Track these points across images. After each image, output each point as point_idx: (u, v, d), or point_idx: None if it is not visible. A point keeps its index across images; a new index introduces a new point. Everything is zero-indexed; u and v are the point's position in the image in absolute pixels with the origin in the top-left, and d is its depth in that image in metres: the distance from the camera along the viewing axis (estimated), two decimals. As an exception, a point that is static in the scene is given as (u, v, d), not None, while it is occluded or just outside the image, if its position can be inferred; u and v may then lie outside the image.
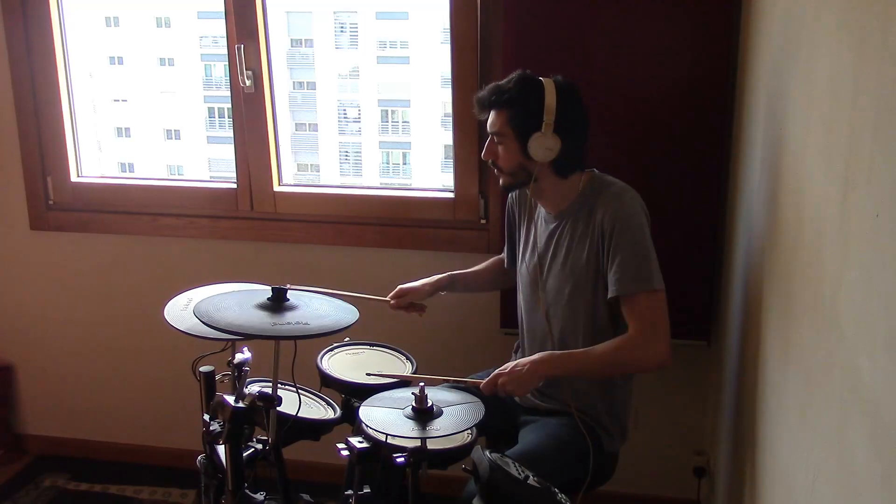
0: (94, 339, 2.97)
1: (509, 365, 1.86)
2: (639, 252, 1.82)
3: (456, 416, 1.66)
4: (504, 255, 2.24)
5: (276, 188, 2.74)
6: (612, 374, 1.93)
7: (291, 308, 1.75)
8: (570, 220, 1.93)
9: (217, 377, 1.84)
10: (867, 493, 0.91)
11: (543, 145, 1.84)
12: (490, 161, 1.95)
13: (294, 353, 1.75)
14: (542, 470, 1.68)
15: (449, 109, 2.56)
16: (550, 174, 1.90)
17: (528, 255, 2.03)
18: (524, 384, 1.82)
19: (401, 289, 2.16)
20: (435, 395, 1.71)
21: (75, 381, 3.03)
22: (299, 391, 1.90)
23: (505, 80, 1.90)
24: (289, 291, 1.78)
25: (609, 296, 1.85)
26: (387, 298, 2.16)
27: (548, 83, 1.85)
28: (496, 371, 1.86)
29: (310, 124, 7.80)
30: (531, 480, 1.59)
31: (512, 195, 2.11)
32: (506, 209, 2.16)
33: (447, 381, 1.99)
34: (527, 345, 2.07)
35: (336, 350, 2.15)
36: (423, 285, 2.16)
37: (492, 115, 1.90)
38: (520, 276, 2.09)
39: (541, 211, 2.01)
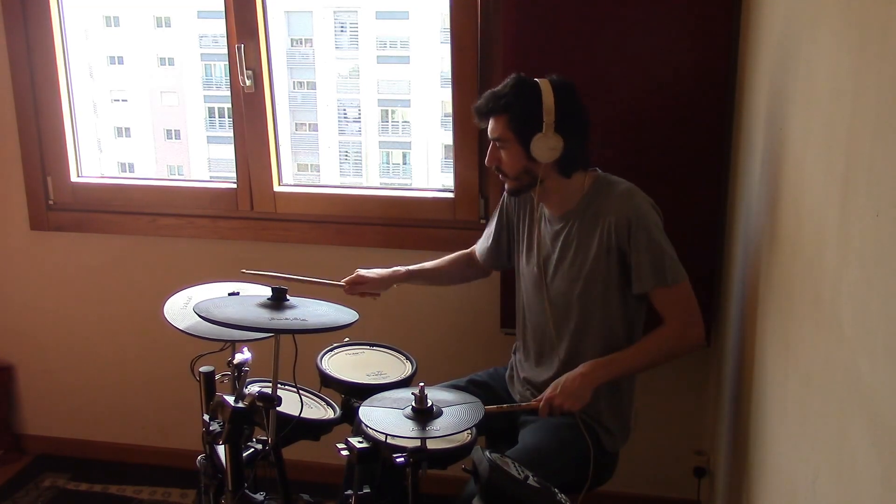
0: (94, 339, 2.97)
1: (558, 383, 1.88)
2: (659, 248, 1.85)
3: (456, 416, 1.66)
4: (476, 247, 2.24)
5: (276, 188, 2.74)
6: (656, 366, 1.96)
7: (291, 307, 1.76)
8: (577, 220, 1.93)
9: (217, 377, 1.84)
10: (867, 493, 0.91)
11: (546, 145, 1.84)
12: (494, 167, 1.95)
13: (295, 353, 1.75)
14: (543, 470, 1.68)
15: (449, 109, 2.56)
16: (555, 174, 1.90)
17: (531, 256, 2.03)
18: (580, 398, 1.85)
19: (359, 275, 2.17)
20: (435, 395, 1.71)
21: (75, 381, 3.03)
22: (300, 391, 1.90)
23: (500, 85, 1.90)
24: (288, 292, 1.79)
25: (635, 292, 1.88)
26: (340, 283, 2.16)
27: (543, 83, 1.85)
28: (546, 395, 1.88)
29: (310, 124, 7.80)
30: (531, 481, 1.59)
31: (512, 197, 2.11)
32: (500, 206, 2.15)
33: (501, 407, 1.95)
34: (533, 345, 2.06)
35: (336, 350, 2.15)
36: (381, 277, 2.18)
37: (491, 122, 1.90)
38: (522, 276, 2.08)
39: (544, 212, 2.01)
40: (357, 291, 2.17)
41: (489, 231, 2.19)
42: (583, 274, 1.91)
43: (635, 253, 1.85)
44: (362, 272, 2.18)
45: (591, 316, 1.93)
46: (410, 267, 2.22)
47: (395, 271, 2.19)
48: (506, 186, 1.97)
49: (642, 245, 1.84)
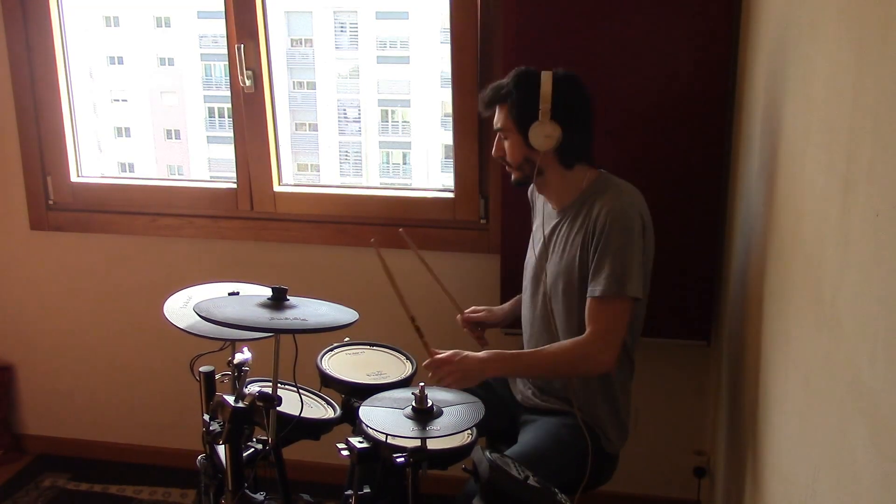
0: (94, 339, 2.97)
1: (460, 353, 1.86)
2: (619, 255, 1.80)
3: (456, 416, 1.66)
4: None
5: (276, 188, 2.74)
6: (557, 377, 1.95)
7: (291, 307, 1.75)
8: (571, 215, 1.93)
9: (217, 377, 1.84)
10: (867, 493, 0.91)
11: (542, 133, 1.84)
12: (500, 158, 1.97)
13: (295, 353, 1.75)
14: (543, 470, 1.68)
15: (449, 109, 2.56)
16: (555, 165, 1.90)
17: (530, 249, 2.05)
18: (467, 380, 1.83)
19: (473, 308, 2.20)
20: (435, 395, 1.71)
21: (75, 381, 3.03)
22: (300, 391, 1.90)
23: (505, 77, 1.92)
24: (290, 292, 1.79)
25: (588, 295, 1.84)
26: (461, 311, 2.17)
27: (545, 74, 1.86)
28: (446, 355, 1.85)
29: (310, 124, 7.81)
30: (531, 480, 1.59)
31: (531, 192, 2.13)
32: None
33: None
34: (525, 337, 2.08)
35: (336, 350, 2.15)
36: (498, 311, 2.21)
37: (496, 113, 1.93)
38: (525, 271, 2.09)
39: (547, 206, 2.02)
40: (471, 322, 2.18)
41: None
42: (568, 269, 1.90)
43: (601, 252, 1.81)
44: (479, 308, 2.20)
45: (575, 311, 1.91)
46: (517, 297, 2.21)
47: (510, 304, 2.21)
48: (511, 178, 1.98)
49: (611, 247, 1.80)
